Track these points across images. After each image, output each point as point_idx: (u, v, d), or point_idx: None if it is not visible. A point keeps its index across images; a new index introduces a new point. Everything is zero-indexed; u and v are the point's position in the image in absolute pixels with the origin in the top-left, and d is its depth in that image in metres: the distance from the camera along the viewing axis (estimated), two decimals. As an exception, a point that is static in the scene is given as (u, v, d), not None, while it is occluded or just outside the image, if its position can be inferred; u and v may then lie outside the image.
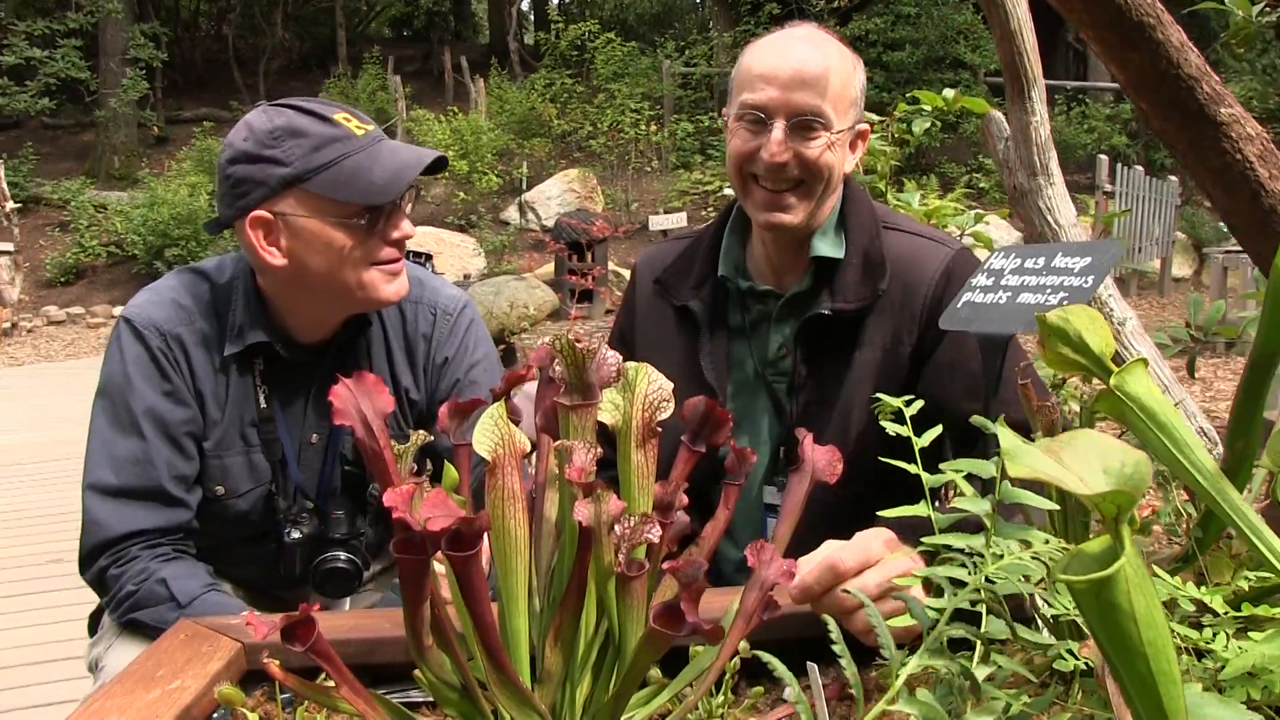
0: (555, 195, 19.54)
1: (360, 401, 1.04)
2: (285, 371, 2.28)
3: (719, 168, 20.60)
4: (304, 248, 2.11)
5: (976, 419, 1.49)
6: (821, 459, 1.35)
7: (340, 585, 2.32)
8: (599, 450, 1.14)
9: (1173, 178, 16.95)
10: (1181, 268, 16.63)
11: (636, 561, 1.10)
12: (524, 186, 19.97)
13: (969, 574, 1.02)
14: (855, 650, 1.21)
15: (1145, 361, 1.22)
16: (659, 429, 1.20)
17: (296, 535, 2.30)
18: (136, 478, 2.14)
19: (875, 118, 3.43)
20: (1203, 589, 1.16)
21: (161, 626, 2.03)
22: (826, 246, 2.22)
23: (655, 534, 1.10)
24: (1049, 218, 1.88)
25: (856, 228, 2.24)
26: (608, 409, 1.20)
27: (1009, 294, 1.67)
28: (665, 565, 1.04)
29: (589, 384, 1.20)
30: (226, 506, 2.26)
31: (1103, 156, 16.58)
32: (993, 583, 1.01)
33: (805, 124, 2.11)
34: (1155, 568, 1.29)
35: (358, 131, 2.10)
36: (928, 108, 3.25)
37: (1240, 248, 1.70)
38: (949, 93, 3.05)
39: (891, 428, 1.40)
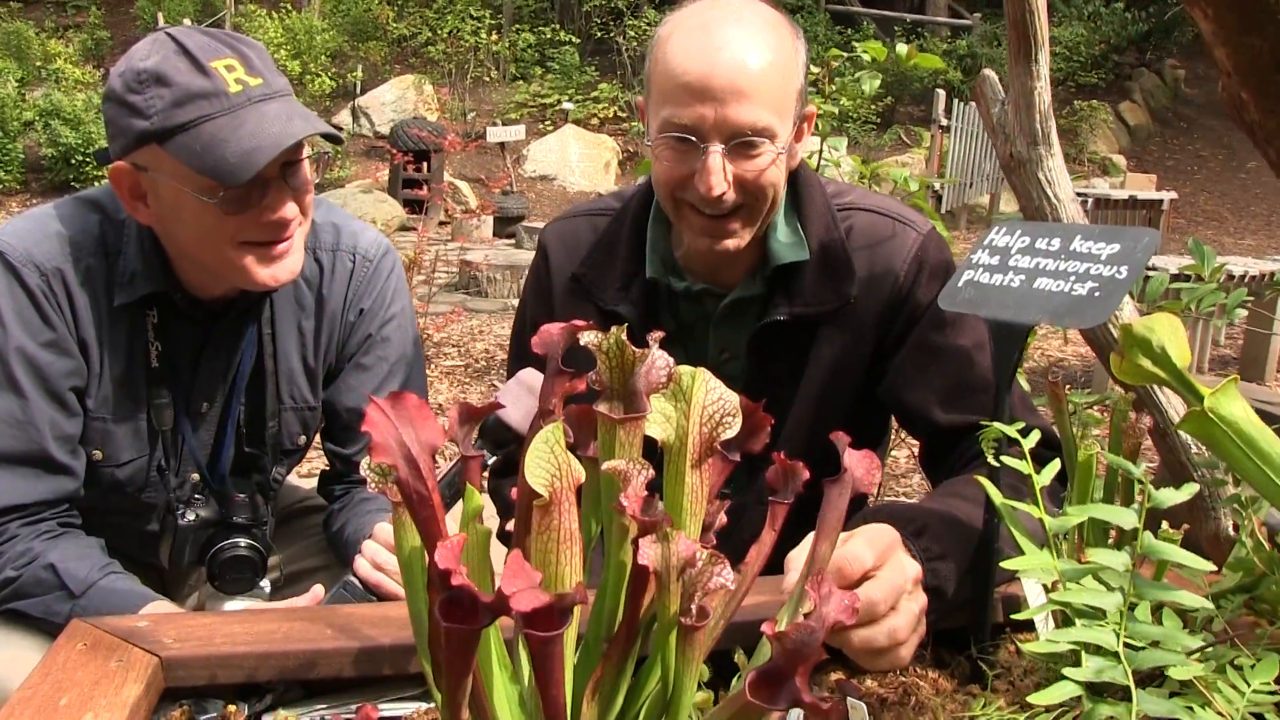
0: (390, 101, 18.93)
1: (403, 432, 0.83)
2: (178, 327, 2.01)
3: (558, 80, 20.29)
4: (168, 213, 1.85)
5: (996, 427, 1.37)
6: (860, 467, 1.20)
7: (240, 578, 2.09)
8: (652, 473, 0.96)
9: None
10: (1009, 203, 17.02)
11: (701, 609, 0.93)
12: (358, 91, 19.28)
13: (1106, 630, 0.88)
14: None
15: (1237, 379, 1.11)
16: (720, 447, 1.03)
17: (191, 517, 2.07)
18: (14, 440, 1.85)
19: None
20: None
21: (50, 619, 1.78)
22: (785, 248, 1.97)
23: (728, 577, 0.94)
24: (1048, 191, 1.76)
25: (813, 218, 1.99)
26: (657, 421, 1.02)
27: (1021, 277, 1.53)
28: (766, 629, 0.87)
29: (635, 391, 1.01)
30: (102, 474, 2.00)
31: (940, 91, 16.79)
32: (1135, 649, 0.87)
33: (746, 143, 1.82)
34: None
35: (232, 87, 1.78)
36: (866, 58, 3.10)
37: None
38: (904, 48, 2.89)
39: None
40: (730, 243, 1.91)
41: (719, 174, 1.81)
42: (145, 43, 1.84)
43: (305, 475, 4.51)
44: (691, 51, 1.81)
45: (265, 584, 2.16)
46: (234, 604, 2.12)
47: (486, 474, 1.83)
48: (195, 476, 2.11)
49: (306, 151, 1.90)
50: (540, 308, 2.17)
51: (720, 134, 1.81)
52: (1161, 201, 15.49)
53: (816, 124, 2.64)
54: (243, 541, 2.09)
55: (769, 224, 1.97)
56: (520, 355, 2.23)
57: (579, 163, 18.03)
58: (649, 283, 2.05)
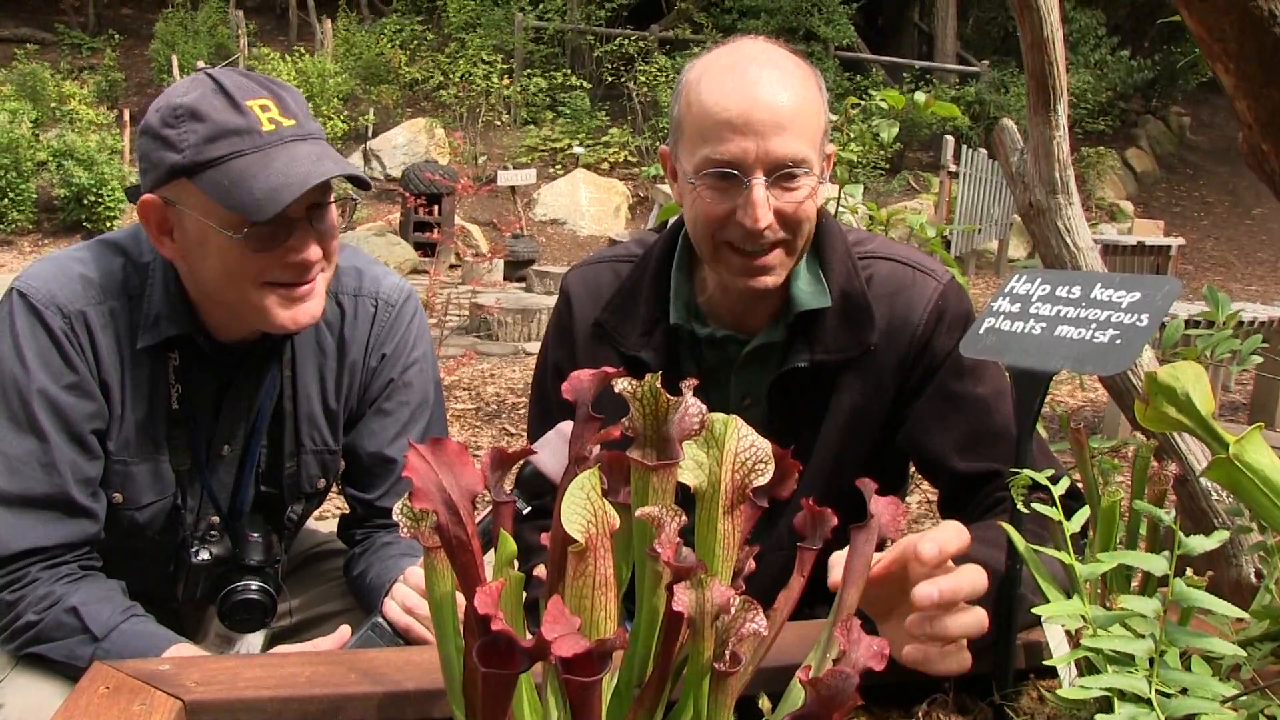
0: (402, 144, 19.03)
1: (443, 477, 0.84)
2: (200, 370, 2.02)
3: (568, 125, 20.37)
4: (193, 248, 1.86)
5: (1026, 473, 1.37)
6: (887, 513, 1.21)
7: (250, 619, 2.09)
8: (684, 519, 0.97)
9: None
10: (1017, 249, 17.04)
11: (734, 655, 0.94)
12: (369, 134, 19.41)
13: (1139, 676, 0.89)
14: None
15: (1261, 427, 1.11)
16: (751, 494, 1.04)
17: (205, 556, 2.07)
18: (36, 483, 1.85)
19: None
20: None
21: (72, 663, 1.78)
22: (808, 295, 1.99)
23: (761, 624, 0.94)
24: (1067, 239, 1.77)
25: (835, 266, 2.01)
26: (689, 468, 1.03)
27: (1043, 324, 1.54)
28: (802, 675, 0.87)
29: (668, 438, 1.02)
30: (121, 517, 2.00)
31: (948, 137, 16.87)
32: (1167, 696, 0.88)
33: (787, 175, 1.86)
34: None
35: (265, 126, 1.80)
36: (884, 105, 3.12)
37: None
38: (920, 96, 2.91)
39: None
40: (769, 279, 1.92)
41: (764, 205, 1.84)
42: (185, 81, 1.87)
43: (322, 517, 4.51)
44: (728, 89, 1.84)
45: (259, 636, 2.16)
46: (247, 640, 2.13)
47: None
48: (214, 517, 2.11)
49: (334, 196, 1.91)
50: (562, 353, 2.18)
51: (763, 166, 1.83)
52: (1169, 247, 15.49)
53: (835, 170, 2.67)
54: (254, 584, 2.09)
55: (796, 267, 1.99)
56: (541, 400, 2.24)
57: (589, 207, 18.10)
58: (671, 329, 2.06)
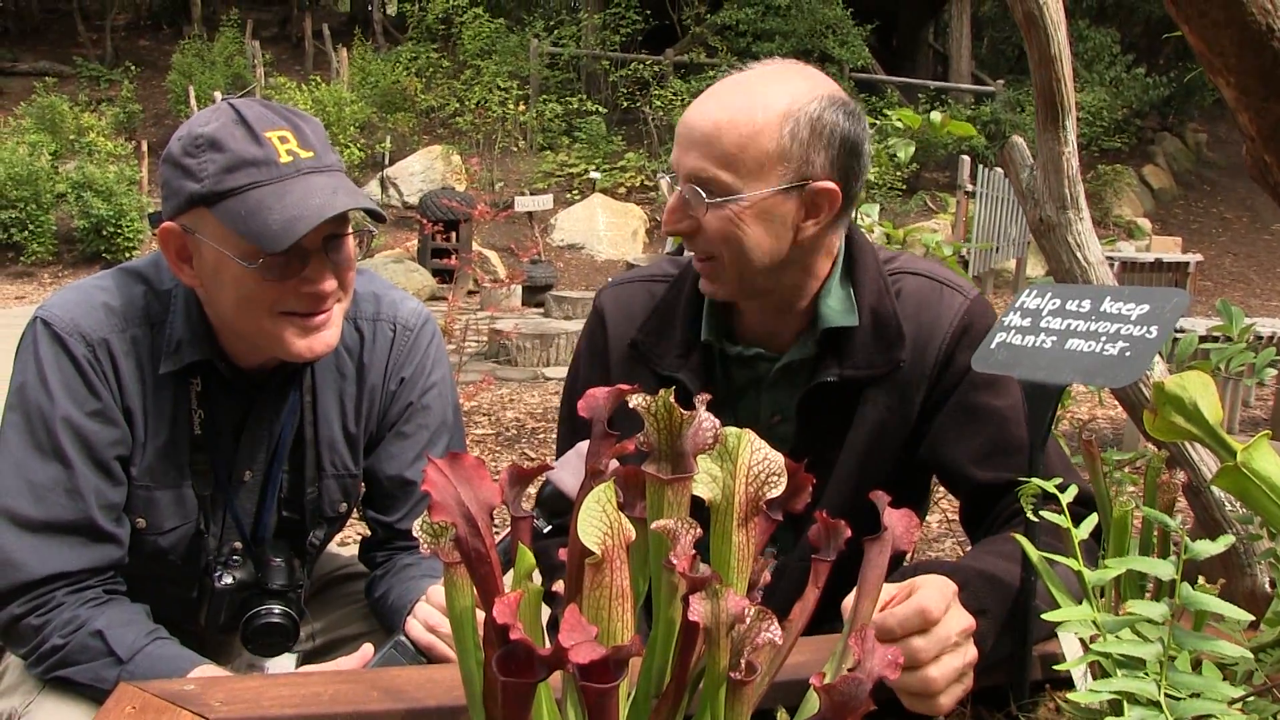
0: (419, 171, 19.16)
1: (461, 490, 0.87)
2: (222, 396, 2.05)
3: (584, 150, 20.47)
4: (210, 276, 1.89)
5: (1034, 482, 1.39)
6: (900, 525, 1.22)
7: (273, 642, 2.10)
8: (699, 531, 0.99)
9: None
10: (1035, 267, 17.03)
11: (749, 664, 0.96)
12: (386, 161, 19.53)
13: (1148, 680, 0.90)
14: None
15: (1269, 434, 1.13)
16: (764, 507, 1.05)
17: (229, 581, 2.08)
18: (61, 509, 1.88)
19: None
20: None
21: (98, 685, 1.80)
22: (836, 313, 2.01)
23: (775, 634, 0.96)
24: (1078, 254, 1.79)
25: (866, 283, 2.03)
26: (704, 481, 1.05)
27: (1053, 338, 1.56)
28: (815, 681, 0.89)
29: (682, 452, 1.04)
30: (144, 543, 2.02)
31: (965, 157, 16.88)
32: (1176, 699, 0.89)
33: (694, 192, 1.88)
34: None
35: (283, 157, 1.83)
36: (900, 125, 3.14)
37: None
38: (936, 116, 2.93)
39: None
40: (710, 286, 2.00)
41: (673, 209, 1.92)
42: (208, 111, 1.90)
43: (344, 543, 4.53)
44: (694, 103, 1.94)
45: (290, 659, 2.17)
46: (276, 664, 2.14)
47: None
48: (236, 543, 2.13)
49: (351, 227, 1.93)
50: (596, 372, 2.20)
51: (681, 174, 1.91)
52: (1187, 264, 15.45)
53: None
54: (277, 608, 2.10)
55: (814, 290, 2.02)
56: (571, 419, 2.26)
57: (606, 231, 18.17)
58: (706, 349, 2.09)
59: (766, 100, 1.87)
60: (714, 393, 1.95)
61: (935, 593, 1.41)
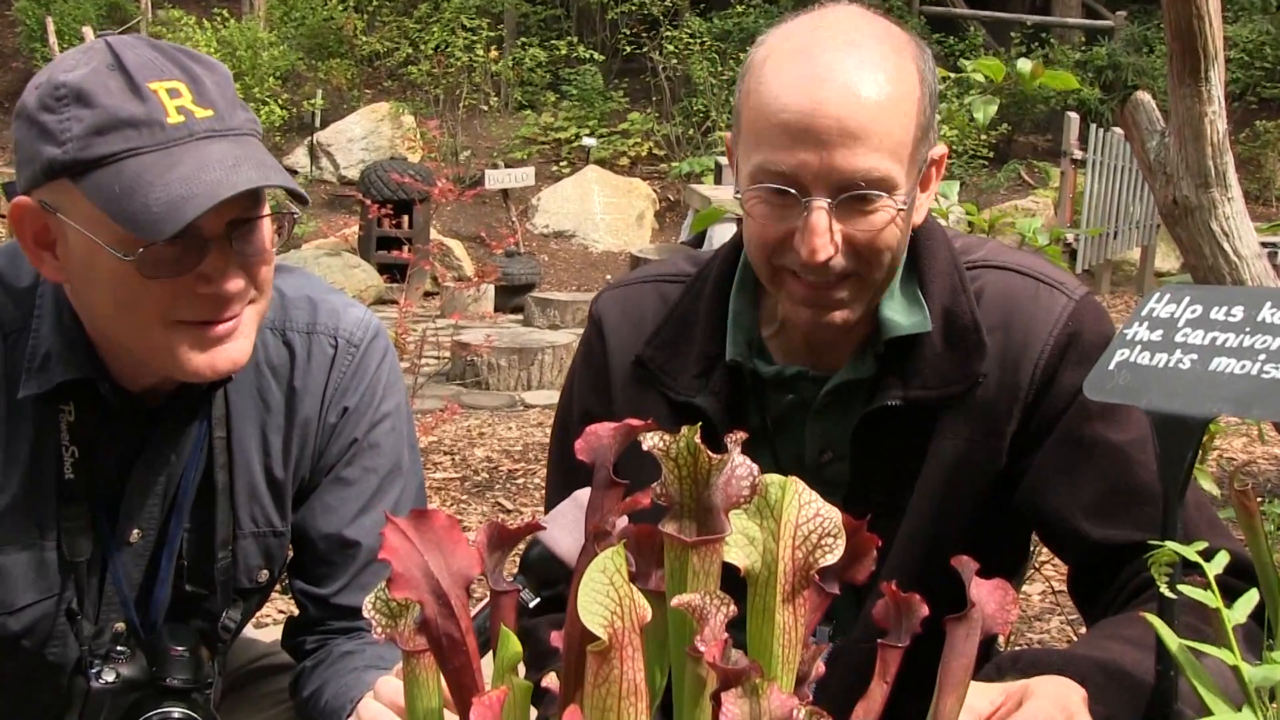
0: (359, 137, 19.21)
1: (429, 558, 0.88)
2: (103, 428, 2.03)
3: (575, 109, 20.46)
4: (78, 271, 1.86)
5: (1170, 547, 1.39)
6: (992, 600, 1.23)
7: None
8: (734, 609, 1.00)
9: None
10: (1167, 259, 17.02)
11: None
12: (317, 123, 19.55)
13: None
14: None
15: None
16: (816, 577, 1.06)
17: (110, 679, 2.06)
18: None
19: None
20: None
21: None
22: (902, 319, 2.01)
23: (832, 743, 0.97)
24: (1225, 244, 1.78)
25: (936, 279, 2.04)
26: (738, 544, 1.06)
27: (1193, 356, 1.56)
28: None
29: (711, 507, 1.05)
30: None
31: (1072, 114, 16.87)
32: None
33: (859, 197, 1.87)
34: None
35: (172, 117, 1.79)
36: (979, 78, 3.12)
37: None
38: (1026, 64, 2.90)
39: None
40: (838, 315, 1.95)
41: (824, 235, 1.85)
42: (77, 52, 1.88)
43: (261, 624, 4.53)
44: (791, 82, 1.87)
45: None
46: None
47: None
48: (120, 625, 2.11)
49: (266, 208, 1.92)
50: (594, 398, 2.21)
51: (826, 186, 1.85)
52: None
53: None
54: (176, 712, 2.07)
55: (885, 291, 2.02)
56: (564, 461, 2.26)
57: (604, 214, 18.18)
58: (733, 369, 2.08)
59: (900, 62, 1.91)
60: (745, 424, 1.97)
61: (1053, 705, 1.41)
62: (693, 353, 2.11)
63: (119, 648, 2.10)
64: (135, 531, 2.09)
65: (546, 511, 1.82)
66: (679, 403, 2.08)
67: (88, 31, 17.54)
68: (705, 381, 2.08)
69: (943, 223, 3.91)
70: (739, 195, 1.94)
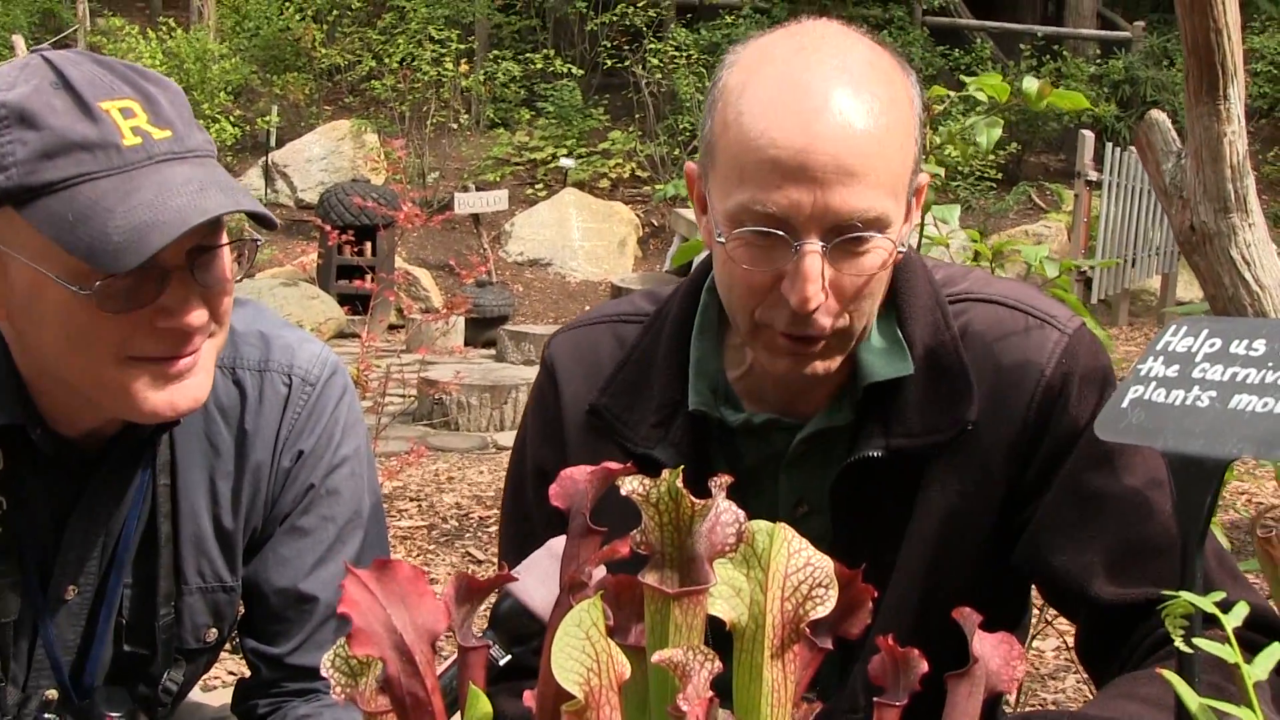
0: (318, 157, 19.26)
1: (393, 613, 0.88)
2: (35, 476, 2.02)
3: (551, 128, 20.50)
4: (21, 307, 1.85)
5: (1185, 598, 1.40)
6: (996, 656, 1.24)
7: None
8: (718, 665, 1.01)
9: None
10: (1190, 288, 17.09)
11: None
12: (272, 142, 19.57)
13: None
14: None
15: None
16: (808, 631, 1.07)
17: None
18: None
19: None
20: None
21: None
22: (881, 361, 1.99)
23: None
24: (1245, 274, 1.80)
25: (916, 316, 2.02)
26: (724, 596, 1.07)
27: (1212, 393, 1.57)
28: None
29: (694, 556, 1.06)
30: None
31: (1086, 132, 16.95)
32: None
33: (855, 239, 1.83)
34: None
35: (128, 139, 1.79)
36: (981, 96, 3.13)
37: None
38: (1032, 82, 2.91)
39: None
40: (820, 365, 1.94)
41: (817, 281, 1.82)
42: (12, 67, 1.87)
43: (209, 687, 4.52)
44: (778, 114, 1.83)
45: None
46: None
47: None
48: (51, 692, 2.10)
49: (226, 237, 1.91)
50: (547, 450, 2.19)
51: (819, 228, 1.82)
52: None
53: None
54: None
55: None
56: (517, 515, 2.25)
57: (583, 241, 18.22)
58: (696, 418, 2.06)
59: (892, 86, 1.89)
60: (711, 477, 1.96)
61: None
62: (652, 401, 2.09)
63: (47, 716, 2.09)
64: (71, 588, 2.08)
65: (501, 568, 1.81)
66: (637, 454, 2.04)
67: (18, 41, 17.48)
68: (665, 432, 2.07)
69: (943, 251, 3.92)
70: (723, 239, 1.89)
